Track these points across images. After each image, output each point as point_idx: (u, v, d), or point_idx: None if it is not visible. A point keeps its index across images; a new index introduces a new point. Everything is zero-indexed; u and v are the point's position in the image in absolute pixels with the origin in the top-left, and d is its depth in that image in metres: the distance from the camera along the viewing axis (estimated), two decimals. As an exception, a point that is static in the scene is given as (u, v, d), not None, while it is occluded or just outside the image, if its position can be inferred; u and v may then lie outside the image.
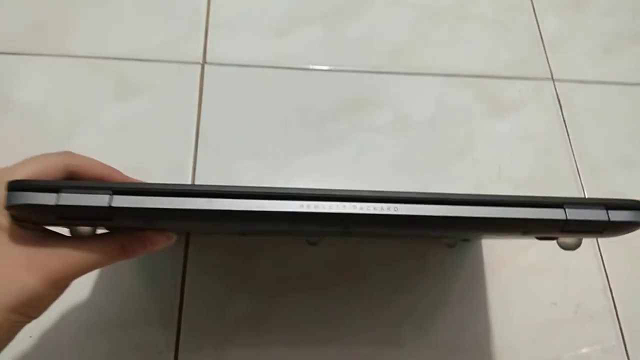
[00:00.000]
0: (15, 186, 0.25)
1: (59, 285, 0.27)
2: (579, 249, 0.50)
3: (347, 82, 0.57)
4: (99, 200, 0.24)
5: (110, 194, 0.24)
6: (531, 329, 0.47)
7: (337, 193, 0.26)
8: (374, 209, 0.26)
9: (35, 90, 0.52)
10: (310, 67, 0.57)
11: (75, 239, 0.27)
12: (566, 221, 0.27)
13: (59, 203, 0.24)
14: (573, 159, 0.56)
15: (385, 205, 0.26)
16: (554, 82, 0.60)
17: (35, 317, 0.28)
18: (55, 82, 0.53)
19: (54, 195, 0.24)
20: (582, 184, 0.54)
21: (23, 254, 0.26)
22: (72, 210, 0.24)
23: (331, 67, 0.58)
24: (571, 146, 0.56)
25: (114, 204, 0.24)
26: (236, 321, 0.45)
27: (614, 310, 0.49)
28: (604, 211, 0.27)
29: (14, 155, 0.48)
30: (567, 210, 0.27)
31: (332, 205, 0.26)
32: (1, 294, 0.25)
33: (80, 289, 0.44)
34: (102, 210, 0.24)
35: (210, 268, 0.46)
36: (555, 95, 0.59)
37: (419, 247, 0.49)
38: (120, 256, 0.28)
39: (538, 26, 0.64)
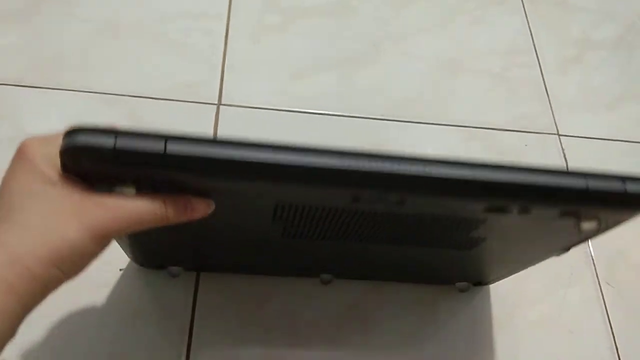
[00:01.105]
0: (75, 129, 0.25)
1: (99, 241, 0.26)
2: (587, 308, 0.51)
3: (358, 128, 0.58)
4: (155, 145, 0.25)
5: (164, 141, 0.25)
6: (539, 385, 0.47)
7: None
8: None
9: (50, 124, 0.52)
10: (323, 112, 0.58)
11: (120, 196, 0.27)
12: (587, 190, 0.28)
13: (117, 146, 0.25)
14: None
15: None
16: (559, 137, 0.62)
17: (70, 277, 0.27)
18: (70, 116, 0.53)
19: (112, 138, 0.25)
20: (587, 239, 0.55)
21: (67, 206, 0.26)
22: (128, 154, 0.25)
23: (343, 113, 0.59)
24: (576, 201, 0.57)
25: (169, 151, 0.25)
26: (243, 368, 0.44)
27: (620, 369, 0.49)
28: (621, 183, 0.29)
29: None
30: (588, 180, 0.28)
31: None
32: (40, 244, 0.25)
33: (87, 334, 0.43)
34: (157, 156, 0.25)
35: (219, 313, 0.46)
36: (560, 149, 0.61)
37: (429, 295, 0.49)
38: (162, 217, 0.28)
39: (544, 82, 0.66)
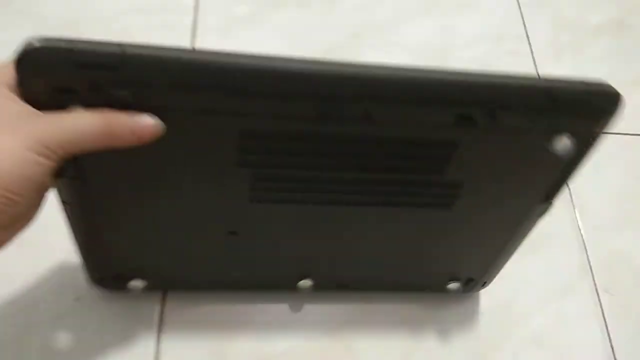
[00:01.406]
0: (33, 38, 0.25)
1: (40, 152, 0.26)
2: (584, 319, 0.48)
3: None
4: (112, 48, 0.25)
5: (119, 45, 0.26)
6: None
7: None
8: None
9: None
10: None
11: (62, 113, 0.27)
12: (550, 90, 0.29)
13: (76, 48, 0.25)
14: (574, 215, 0.53)
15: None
16: (553, 131, 0.58)
17: (16, 200, 0.25)
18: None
19: (71, 43, 0.25)
20: (583, 240, 0.52)
21: (8, 122, 0.26)
22: (86, 55, 0.25)
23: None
24: (572, 200, 0.54)
25: (128, 51, 0.25)
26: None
27: (620, 384, 0.46)
28: (584, 84, 0.30)
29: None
30: (551, 82, 0.29)
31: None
32: None
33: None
34: (116, 57, 0.25)
35: (187, 343, 0.42)
36: (555, 145, 0.57)
37: (416, 316, 0.46)
38: (105, 132, 0.27)
39: (536, 70, 0.62)
